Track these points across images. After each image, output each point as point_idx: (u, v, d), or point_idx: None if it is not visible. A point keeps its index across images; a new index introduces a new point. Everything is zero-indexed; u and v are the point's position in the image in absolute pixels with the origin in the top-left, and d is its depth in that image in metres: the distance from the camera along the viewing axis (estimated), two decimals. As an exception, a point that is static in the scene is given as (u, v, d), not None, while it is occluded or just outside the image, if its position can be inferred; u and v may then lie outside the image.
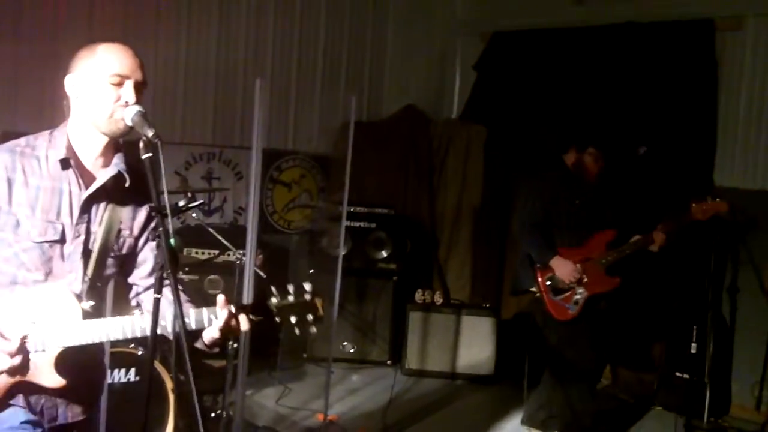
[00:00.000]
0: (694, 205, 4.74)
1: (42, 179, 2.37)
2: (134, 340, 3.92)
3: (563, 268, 4.70)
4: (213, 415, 4.70)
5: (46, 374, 2.35)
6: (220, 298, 2.36)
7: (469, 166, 7.34)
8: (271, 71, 7.00)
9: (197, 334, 2.39)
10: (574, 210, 4.84)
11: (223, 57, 6.69)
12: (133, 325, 2.33)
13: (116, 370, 3.95)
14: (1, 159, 2.34)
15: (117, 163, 2.44)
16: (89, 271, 2.43)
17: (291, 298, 2.37)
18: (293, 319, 2.36)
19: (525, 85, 7.11)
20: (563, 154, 4.96)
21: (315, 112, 7.42)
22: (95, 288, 2.45)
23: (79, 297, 2.39)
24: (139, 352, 3.98)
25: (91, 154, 2.43)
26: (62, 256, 2.41)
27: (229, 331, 2.35)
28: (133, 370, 3.99)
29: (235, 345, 4.44)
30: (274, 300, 2.36)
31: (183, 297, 2.42)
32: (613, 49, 6.46)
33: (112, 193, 2.45)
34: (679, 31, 6.14)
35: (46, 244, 2.38)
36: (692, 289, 5.76)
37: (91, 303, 2.42)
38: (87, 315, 2.38)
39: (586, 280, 4.72)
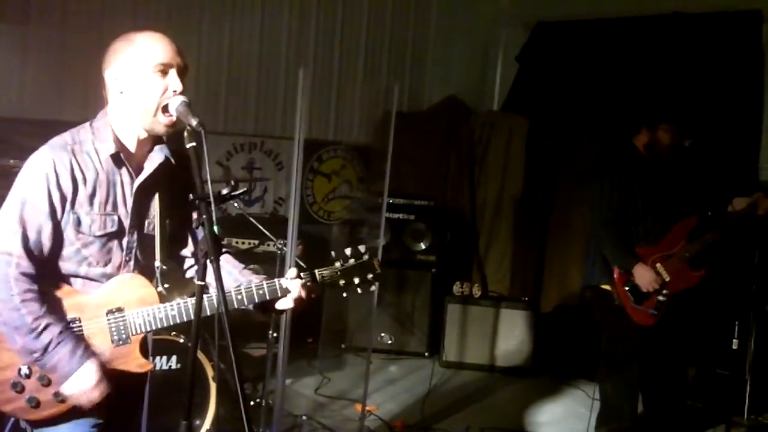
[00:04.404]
0: (761, 198, 4.51)
1: (96, 174, 2.37)
2: (175, 327, 4.00)
3: (644, 277, 4.36)
4: (253, 403, 4.73)
5: (132, 360, 2.42)
6: (293, 271, 2.49)
7: (510, 158, 7.28)
8: (313, 61, 7.02)
9: (267, 305, 2.50)
10: (651, 198, 4.50)
11: (266, 47, 6.72)
12: (210, 302, 2.39)
13: (158, 358, 3.98)
14: (61, 158, 2.32)
15: (161, 149, 2.46)
16: (156, 256, 2.49)
17: (352, 261, 2.52)
18: (356, 280, 2.53)
19: (568, 76, 7.04)
20: (633, 137, 4.62)
21: (356, 103, 7.42)
22: (164, 271, 2.51)
23: (153, 282, 2.47)
24: (180, 340, 4.00)
25: (135, 143, 2.44)
26: (122, 246, 2.44)
27: (302, 301, 2.49)
28: (174, 358, 4.02)
29: (276, 334, 4.47)
30: (338, 264, 2.53)
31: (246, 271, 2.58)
32: (659, 40, 6.37)
33: (160, 178, 2.48)
34: (726, 22, 6.04)
35: (106, 237, 2.40)
36: (735, 285, 5.64)
37: (166, 286, 2.49)
38: (163, 298, 2.46)
39: (668, 279, 4.40)
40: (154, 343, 3.69)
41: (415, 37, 7.83)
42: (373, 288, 2.57)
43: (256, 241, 5.65)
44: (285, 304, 2.49)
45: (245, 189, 4.15)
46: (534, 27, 7.45)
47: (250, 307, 2.47)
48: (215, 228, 2.21)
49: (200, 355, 4.05)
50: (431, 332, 6.59)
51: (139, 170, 2.45)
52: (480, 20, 7.95)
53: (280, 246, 4.65)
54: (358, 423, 4.89)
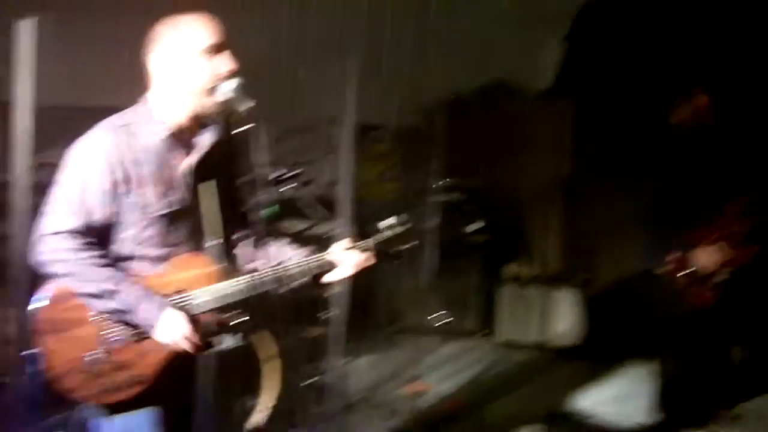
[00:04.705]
0: None
1: (150, 156, 2.39)
2: (238, 304, 4.07)
3: (702, 258, 4.32)
4: (309, 382, 4.79)
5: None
6: (343, 243, 2.57)
7: (558, 139, 7.23)
8: (363, 43, 7.02)
9: (319, 278, 2.59)
10: (701, 176, 4.40)
11: (315, 30, 6.73)
12: (268, 279, 2.47)
13: (219, 337, 4.03)
14: (117, 141, 2.33)
15: (212, 130, 2.51)
16: (215, 233, 2.53)
17: (388, 233, 2.65)
18: (392, 251, 2.66)
19: (618, 56, 6.94)
20: (672, 110, 4.55)
21: (405, 85, 7.41)
22: (220, 250, 2.55)
23: (215, 260, 2.50)
24: (242, 319, 4.05)
25: (186, 125, 2.47)
26: (178, 226, 2.48)
27: (352, 272, 2.59)
28: (235, 337, 4.07)
29: (332, 313, 4.53)
30: (385, 233, 2.65)
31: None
32: (714, 14, 6.23)
33: (212, 159, 2.52)
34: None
35: (165, 218, 2.43)
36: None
37: (226, 263, 2.53)
38: (224, 276, 2.49)
39: (724, 258, 4.33)
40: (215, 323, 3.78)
41: (463, 19, 7.78)
42: (401, 258, 2.66)
43: (308, 224, 5.71)
44: (336, 275, 2.57)
45: (299, 171, 4.25)
46: (582, 5, 7.35)
47: (306, 280, 2.51)
48: (270, 209, 2.27)
49: (257, 335, 4.12)
50: (483, 312, 6.60)
51: (190, 151, 2.48)
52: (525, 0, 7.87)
53: (330, 228, 4.68)
54: (411, 402, 4.93)
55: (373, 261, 2.62)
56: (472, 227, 6.73)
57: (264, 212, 2.26)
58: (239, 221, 2.67)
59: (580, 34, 7.37)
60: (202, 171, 2.51)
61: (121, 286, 2.31)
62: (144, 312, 2.32)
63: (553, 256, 7.22)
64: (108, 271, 2.31)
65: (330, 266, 2.55)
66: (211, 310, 2.48)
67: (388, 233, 2.63)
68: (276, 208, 2.30)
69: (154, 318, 2.34)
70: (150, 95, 2.46)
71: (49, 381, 2.35)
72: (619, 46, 6.98)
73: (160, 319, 2.34)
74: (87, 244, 2.31)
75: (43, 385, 2.41)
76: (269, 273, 2.48)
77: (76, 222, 2.29)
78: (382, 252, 2.62)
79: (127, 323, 2.36)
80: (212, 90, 2.39)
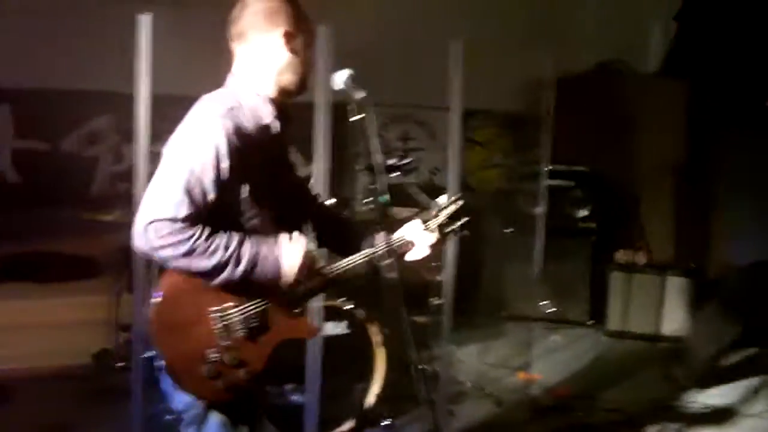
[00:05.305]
0: None
1: (251, 138, 2.36)
2: (343, 294, 4.14)
3: None
4: (417, 369, 4.80)
5: (304, 326, 2.53)
6: (417, 222, 2.60)
7: (670, 122, 7.03)
8: (466, 28, 6.97)
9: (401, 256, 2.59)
10: None
11: (418, 16, 6.72)
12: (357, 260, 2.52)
13: (327, 323, 4.05)
14: (227, 126, 2.29)
15: (281, 111, 2.49)
16: (305, 213, 2.60)
17: (444, 212, 2.62)
18: (448, 229, 2.63)
19: (732, 34, 6.69)
20: None
21: (509, 70, 7.32)
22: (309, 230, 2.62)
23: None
24: (348, 306, 4.12)
25: (270, 106, 2.45)
26: (274, 207, 2.46)
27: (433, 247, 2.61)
28: (343, 323, 4.14)
29: (439, 301, 4.53)
30: (444, 211, 2.63)
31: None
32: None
33: (286, 138, 2.56)
34: None
35: (272, 203, 2.43)
36: None
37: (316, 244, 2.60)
38: (319, 260, 2.50)
39: None
40: (324, 310, 3.84)
41: (570, 1, 7.63)
42: (464, 232, 2.65)
43: (415, 210, 5.71)
44: (414, 255, 2.60)
45: (411, 159, 4.28)
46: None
47: (389, 261, 2.51)
48: (384, 197, 2.29)
49: (364, 322, 4.16)
50: (593, 301, 6.50)
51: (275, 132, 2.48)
52: (637, -21, 7.67)
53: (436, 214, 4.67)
54: (521, 391, 4.90)
55: (441, 239, 2.63)
56: (580, 213, 6.62)
57: (380, 200, 2.27)
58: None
59: (691, 13, 7.16)
60: (285, 149, 2.61)
61: (242, 247, 2.29)
62: (265, 257, 2.32)
63: (665, 242, 7.04)
64: (223, 239, 2.27)
65: (409, 246, 2.56)
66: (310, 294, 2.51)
67: (447, 210, 2.63)
68: (387, 196, 2.30)
69: (278, 257, 2.34)
70: (239, 77, 2.46)
71: (167, 375, 2.35)
72: (730, 24, 6.74)
73: (282, 255, 2.34)
74: (199, 226, 2.25)
75: (161, 377, 2.41)
76: (359, 255, 2.52)
77: (181, 210, 2.22)
78: (446, 229, 2.63)
79: (249, 296, 2.36)
80: (288, 75, 2.43)
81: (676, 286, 6.22)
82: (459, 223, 2.62)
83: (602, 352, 5.85)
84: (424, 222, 2.61)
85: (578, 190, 6.63)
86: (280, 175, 2.55)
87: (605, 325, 6.27)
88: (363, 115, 2.33)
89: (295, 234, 2.39)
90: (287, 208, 2.52)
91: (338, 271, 2.50)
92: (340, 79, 2.44)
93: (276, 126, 2.43)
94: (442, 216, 2.62)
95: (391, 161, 4.03)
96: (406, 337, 2.21)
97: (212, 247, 2.24)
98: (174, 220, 2.21)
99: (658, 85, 7.15)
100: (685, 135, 6.98)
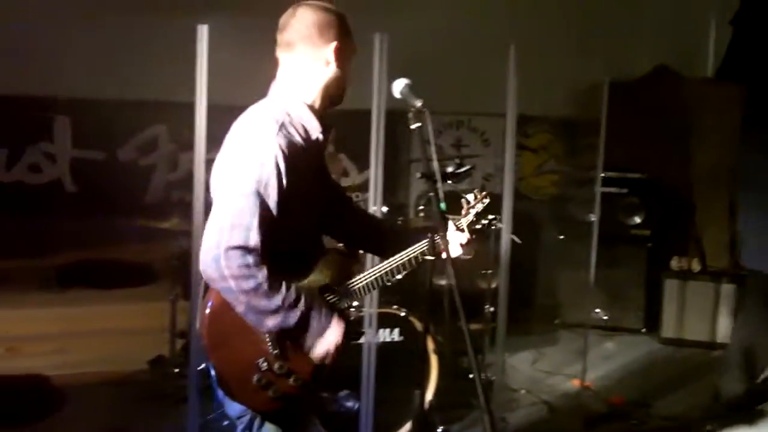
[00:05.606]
0: None
1: (302, 152, 2.34)
2: (397, 301, 4.16)
3: None
4: (471, 376, 4.81)
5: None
6: (450, 224, 2.64)
7: (725, 128, 6.90)
8: (520, 34, 6.93)
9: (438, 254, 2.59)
10: None
11: (470, 23, 6.71)
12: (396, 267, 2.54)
13: (381, 330, 4.07)
14: (282, 143, 2.26)
15: (323, 121, 2.48)
16: (342, 216, 2.67)
17: (474, 208, 2.68)
18: (479, 226, 2.67)
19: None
20: None
21: (563, 75, 7.27)
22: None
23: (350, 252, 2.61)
24: (402, 313, 4.14)
25: (316, 119, 2.44)
26: (314, 212, 2.48)
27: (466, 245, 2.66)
28: (396, 330, 4.15)
29: (492, 309, 4.53)
30: (472, 209, 2.68)
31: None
32: None
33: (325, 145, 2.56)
34: None
35: (310, 207, 2.43)
36: None
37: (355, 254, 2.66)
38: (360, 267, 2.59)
39: None
40: (377, 316, 3.86)
41: (625, 5, 7.55)
42: (496, 225, 2.79)
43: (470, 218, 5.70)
44: (454, 251, 2.61)
45: (470, 167, 4.29)
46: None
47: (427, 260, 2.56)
48: (442, 204, 2.30)
49: (421, 328, 4.16)
50: (648, 308, 6.43)
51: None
52: (691, -17, 7.56)
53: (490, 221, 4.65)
54: (575, 398, 4.87)
55: (471, 238, 2.66)
56: (634, 220, 6.55)
57: (439, 206, 2.29)
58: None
59: (747, 18, 7.03)
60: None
61: (298, 302, 2.26)
62: (314, 328, 2.31)
63: (720, 249, 6.92)
64: (284, 287, 2.25)
65: (442, 247, 2.53)
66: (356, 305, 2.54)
67: (476, 209, 2.67)
68: (444, 203, 2.32)
69: (321, 332, 2.33)
70: (284, 86, 2.45)
71: (218, 385, 2.35)
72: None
73: (325, 334, 2.33)
74: (262, 262, 2.21)
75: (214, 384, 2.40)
76: (399, 257, 2.54)
77: (251, 236, 2.19)
78: (475, 227, 2.67)
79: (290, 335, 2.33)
80: (333, 87, 2.45)
81: (731, 294, 6.14)
82: (486, 221, 2.66)
83: (656, 359, 5.77)
84: (454, 222, 2.64)
85: (633, 196, 6.56)
86: (321, 182, 2.57)
87: (660, 332, 6.19)
88: (420, 123, 2.34)
89: (339, 329, 2.37)
90: (325, 213, 2.55)
91: (377, 276, 2.53)
92: (398, 87, 2.45)
93: (321, 138, 2.44)
94: (471, 214, 2.65)
95: (449, 168, 4.05)
96: (465, 345, 2.18)
97: (272, 295, 2.22)
98: (246, 248, 2.17)
99: (713, 90, 7.04)
100: (742, 139, 6.85)
